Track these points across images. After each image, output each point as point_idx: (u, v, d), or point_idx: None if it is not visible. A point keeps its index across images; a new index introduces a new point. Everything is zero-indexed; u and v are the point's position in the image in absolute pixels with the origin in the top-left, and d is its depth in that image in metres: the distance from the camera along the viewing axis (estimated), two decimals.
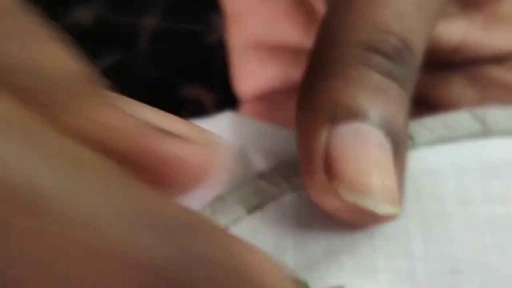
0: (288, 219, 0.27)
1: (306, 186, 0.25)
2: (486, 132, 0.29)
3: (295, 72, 0.35)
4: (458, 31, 0.32)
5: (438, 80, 0.33)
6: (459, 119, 0.29)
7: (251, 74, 0.36)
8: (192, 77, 0.41)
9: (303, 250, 0.26)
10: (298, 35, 0.35)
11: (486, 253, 0.25)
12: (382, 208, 0.24)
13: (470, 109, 0.29)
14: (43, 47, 0.14)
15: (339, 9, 0.28)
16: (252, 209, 0.27)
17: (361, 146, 0.24)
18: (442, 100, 0.33)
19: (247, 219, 0.27)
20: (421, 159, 0.28)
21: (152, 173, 0.15)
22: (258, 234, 0.27)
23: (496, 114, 0.29)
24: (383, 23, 0.27)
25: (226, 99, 0.37)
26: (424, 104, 0.33)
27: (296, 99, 0.27)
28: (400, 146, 0.25)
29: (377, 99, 0.25)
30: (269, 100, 0.36)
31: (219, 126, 0.32)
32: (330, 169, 0.24)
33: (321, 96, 0.25)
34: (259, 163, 0.31)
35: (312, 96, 0.26)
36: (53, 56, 0.14)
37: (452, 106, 0.32)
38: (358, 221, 0.25)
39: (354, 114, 0.25)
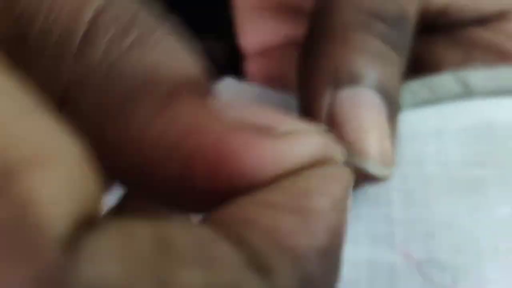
0: None
1: None
2: (468, 93, 0.30)
3: (294, 30, 0.37)
4: None
5: (425, 42, 0.34)
6: (442, 81, 0.30)
7: (254, 32, 0.37)
8: (205, 28, 0.43)
9: None
10: None
11: (460, 215, 0.27)
12: (379, 169, 0.26)
13: (453, 72, 0.30)
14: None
15: None
16: None
17: (359, 110, 0.26)
18: (428, 61, 0.34)
19: None
20: (405, 122, 0.30)
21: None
22: None
23: (478, 75, 0.30)
24: None
25: (237, 50, 0.39)
26: (412, 64, 0.34)
27: (298, 60, 0.28)
28: (394, 109, 0.27)
29: (376, 64, 0.27)
30: (270, 56, 0.37)
31: (219, 91, 0.34)
32: (332, 132, 0.26)
33: (323, 61, 0.27)
34: None
35: (315, 60, 0.27)
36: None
37: (438, 67, 0.33)
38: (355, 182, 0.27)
39: (354, 79, 0.26)
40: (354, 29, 0.27)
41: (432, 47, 0.33)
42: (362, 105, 0.26)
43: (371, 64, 0.26)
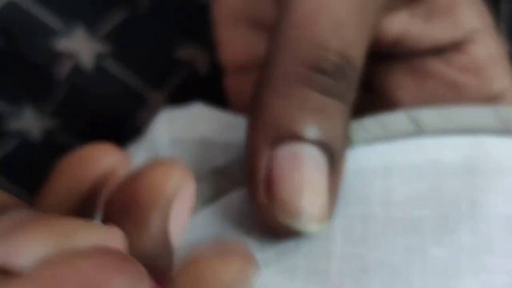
0: (234, 214, 0.31)
1: (249, 202, 0.29)
2: (418, 131, 0.31)
3: None
4: (399, 23, 0.32)
5: (381, 69, 0.34)
6: (394, 119, 0.31)
7: (231, 47, 0.38)
8: (189, 34, 0.44)
9: None
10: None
11: (394, 254, 0.28)
12: (310, 227, 0.28)
13: (406, 110, 0.31)
14: None
15: (282, 22, 0.29)
16: (205, 202, 0.32)
17: (295, 167, 0.27)
18: (384, 88, 0.34)
19: (201, 212, 0.31)
20: (355, 159, 0.31)
21: None
22: (207, 227, 0.31)
23: (430, 114, 0.31)
24: (323, 39, 0.28)
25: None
26: (369, 90, 0.34)
27: (248, 109, 0.29)
28: (336, 160, 0.28)
29: (315, 118, 0.27)
30: (249, 74, 0.38)
31: (190, 117, 0.35)
32: (268, 190, 0.27)
33: (265, 116, 0.28)
34: (221, 155, 0.34)
35: (258, 114, 0.28)
36: None
37: (393, 96, 0.34)
38: (292, 235, 0.28)
39: (293, 135, 0.27)
40: (293, 83, 0.27)
41: (386, 74, 0.34)
42: (299, 163, 0.27)
43: (310, 118, 0.27)
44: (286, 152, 0.27)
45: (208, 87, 0.40)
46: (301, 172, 0.27)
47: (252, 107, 0.28)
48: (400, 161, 0.30)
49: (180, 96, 0.37)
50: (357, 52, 0.29)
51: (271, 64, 0.28)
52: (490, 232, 0.28)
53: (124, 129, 0.41)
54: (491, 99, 0.32)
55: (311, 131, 0.27)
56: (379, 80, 0.34)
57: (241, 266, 0.22)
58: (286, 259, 0.29)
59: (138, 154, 0.36)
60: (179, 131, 0.35)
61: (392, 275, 0.28)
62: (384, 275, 0.28)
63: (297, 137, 0.27)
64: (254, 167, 0.27)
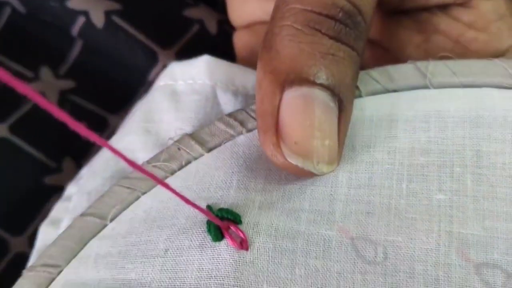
0: (238, 159, 0.31)
1: (260, 142, 0.28)
2: (425, 83, 0.31)
3: None
4: None
5: (389, 24, 0.34)
6: (402, 70, 0.31)
7: (241, 5, 0.38)
8: None
9: (244, 187, 0.30)
10: None
11: (399, 198, 0.28)
12: (319, 168, 0.28)
13: (413, 62, 0.31)
14: None
15: None
16: (210, 148, 0.32)
17: (306, 110, 0.27)
18: (392, 43, 0.35)
19: (206, 156, 0.32)
20: (363, 107, 0.31)
21: None
22: (212, 170, 0.31)
23: (437, 66, 0.31)
24: None
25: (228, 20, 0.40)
26: (377, 45, 0.35)
27: (258, 57, 0.29)
28: (346, 104, 0.28)
29: (325, 63, 0.27)
30: (256, 31, 0.38)
31: (196, 69, 0.36)
32: (279, 131, 0.27)
33: (277, 59, 0.28)
34: (229, 103, 0.34)
35: (270, 58, 0.28)
36: None
37: (401, 51, 0.34)
38: (300, 176, 0.29)
39: (304, 79, 0.27)
40: (304, 29, 0.27)
41: (394, 30, 0.34)
42: (309, 105, 0.27)
43: (321, 63, 0.27)
44: (297, 95, 0.27)
45: (217, 45, 0.40)
46: (312, 114, 0.27)
47: (263, 53, 0.28)
48: (406, 111, 0.30)
49: (190, 54, 0.37)
50: (368, 3, 0.29)
51: (282, 11, 0.28)
52: (494, 180, 0.28)
53: (136, 89, 0.41)
54: (498, 55, 0.32)
55: (321, 75, 0.27)
56: (387, 36, 0.34)
57: None
58: (291, 202, 0.29)
59: (149, 104, 0.36)
60: (186, 81, 0.36)
61: (396, 218, 0.28)
62: (389, 218, 0.28)
63: (307, 81, 0.27)
64: (264, 110, 0.27)
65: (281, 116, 0.27)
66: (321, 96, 0.27)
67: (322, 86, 0.27)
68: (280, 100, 0.27)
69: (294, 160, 0.27)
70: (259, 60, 0.28)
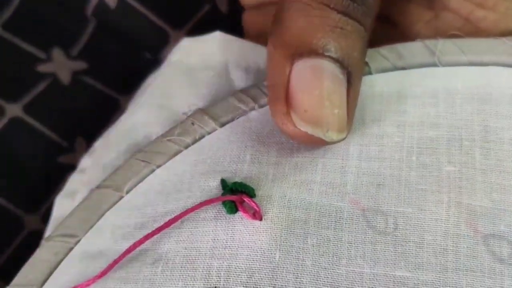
0: (251, 134, 0.31)
1: (270, 112, 0.29)
2: (434, 61, 0.31)
3: None
4: None
5: (399, 2, 0.35)
6: (411, 48, 0.32)
7: None
8: None
9: (258, 161, 0.30)
10: None
11: (410, 170, 0.29)
12: (329, 136, 0.28)
13: (422, 40, 0.32)
14: None
15: None
16: (223, 123, 0.32)
17: (315, 80, 0.28)
18: (401, 21, 0.35)
19: (219, 131, 0.32)
20: (372, 84, 0.31)
21: None
22: (225, 144, 0.32)
23: (445, 44, 0.32)
24: None
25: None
26: (386, 22, 0.35)
27: (269, 30, 0.29)
28: (355, 77, 0.28)
29: (334, 36, 0.28)
30: (265, 11, 0.38)
31: (208, 44, 0.36)
32: (289, 100, 0.28)
33: (286, 33, 0.28)
34: (241, 78, 0.35)
35: (280, 32, 0.29)
36: None
37: (410, 29, 0.35)
38: (310, 144, 0.29)
39: (313, 51, 0.28)
40: (313, 3, 0.28)
41: (404, 7, 0.34)
42: (319, 75, 0.27)
43: (330, 37, 0.28)
44: (306, 66, 0.28)
45: (228, 25, 0.40)
46: (321, 83, 0.27)
47: (273, 28, 0.29)
48: (415, 87, 0.31)
49: (201, 33, 0.37)
50: None
51: None
52: (501, 154, 0.29)
53: (148, 70, 0.41)
54: (506, 34, 0.33)
55: (330, 47, 0.28)
56: (396, 13, 0.35)
57: None
58: (303, 174, 0.29)
59: (160, 81, 0.36)
60: (198, 57, 0.36)
61: (407, 189, 0.28)
62: (400, 189, 0.28)
63: (316, 53, 0.28)
64: (274, 81, 0.28)
65: (291, 86, 0.28)
66: (330, 67, 0.28)
67: (330, 58, 0.28)
68: (290, 71, 0.28)
69: (304, 127, 0.28)
70: (270, 35, 0.29)
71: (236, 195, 0.28)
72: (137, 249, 0.29)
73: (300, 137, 0.28)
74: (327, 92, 0.27)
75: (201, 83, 0.35)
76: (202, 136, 0.32)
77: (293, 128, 0.28)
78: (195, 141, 0.31)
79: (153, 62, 0.42)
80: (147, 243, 0.29)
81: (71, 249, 0.30)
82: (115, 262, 0.28)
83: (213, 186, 0.29)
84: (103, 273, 0.28)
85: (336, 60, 0.28)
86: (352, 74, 0.28)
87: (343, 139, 0.28)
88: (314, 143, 0.28)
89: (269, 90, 0.29)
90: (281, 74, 0.28)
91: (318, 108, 0.27)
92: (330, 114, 0.28)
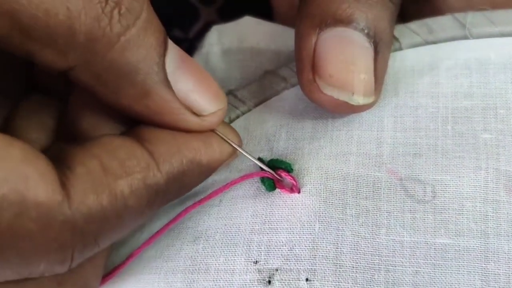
0: (285, 111, 0.31)
1: (298, 81, 0.29)
2: (466, 34, 0.31)
3: None
4: None
5: None
6: (441, 22, 0.31)
7: None
8: None
9: (293, 137, 0.30)
10: None
11: (446, 139, 0.28)
12: (356, 99, 0.28)
13: (453, 14, 0.31)
14: None
15: None
16: (258, 103, 0.32)
17: (341, 47, 0.27)
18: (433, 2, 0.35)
19: (254, 111, 0.32)
20: (404, 58, 0.31)
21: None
22: (261, 123, 0.31)
23: (476, 16, 0.31)
24: None
25: None
26: (417, 5, 0.35)
27: (297, 8, 0.29)
28: (382, 46, 0.28)
29: (361, 6, 0.28)
30: None
31: (239, 28, 0.36)
32: (315, 67, 0.28)
33: (312, 5, 0.28)
34: (272, 61, 0.35)
35: (306, 6, 0.28)
36: None
37: (442, 2, 0.34)
38: (338, 110, 0.29)
39: (339, 20, 0.28)
40: None
41: None
42: (344, 42, 0.27)
43: (356, 6, 0.27)
44: (331, 35, 0.28)
45: (258, 1, 0.40)
46: (346, 50, 0.27)
47: (300, 2, 0.29)
48: (447, 59, 0.30)
49: (231, 10, 0.37)
50: None
51: None
52: None
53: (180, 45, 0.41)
54: None
55: (355, 17, 0.28)
56: None
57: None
58: (339, 146, 0.29)
59: None
60: (230, 42, 0.36)
61: (444, 157, 0.28)
62: (437, 158, 0.28)
63: (341, 22, 0.28)
64: (301, 52, 0.28)
65: (316, 54, 0.28)
66: (355, 36, 0.27)
67: (356, 27, 0.27)
68: (316, 41, 0.28)
69: (329, 91, 0.27)
70: (298, 10, 0.29)
71: (274, 171, 0.28)
72: (178, 227, 0.29)
73: (326, 102, 0.28)
74: (352, 58, 0.27)
75: (233, 67, 0.34)
76: (237, 117, 0.31)
77: (319, 94, 0.28)
78: (230, 122, 0.31)
79: (183, 40, 0.42)
80: (187, 222, 0.29)
81: None
82: (155, 235, 0.28)
83: (250, 165, 0.29)
84: (143, 246, 0.28)
85: (361, 30, 0.27)
86: (379, 43, 0.28)
87: (371, 104, 0.28)
88: (341, 108, 0.28)
89: (296, 62, 0.29)
90: (307, 44, 0.28)
91: (343, 72, 0.27)
92: (356, 78, 0.27)
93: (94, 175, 0.23)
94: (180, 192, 0.26)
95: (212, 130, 0.26)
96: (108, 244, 0.25)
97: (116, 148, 0.24)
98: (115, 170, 0.23)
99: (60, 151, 0.24)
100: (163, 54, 0.24)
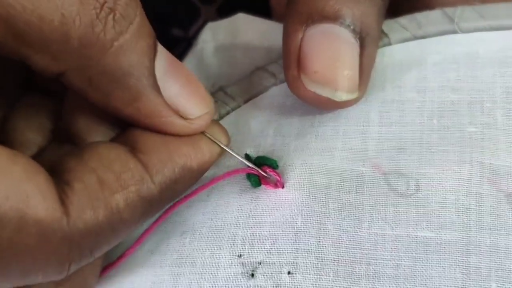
0: (274, 107, 0.31)
1: (284, 77, 0.29)
2: (454, 28, 0.31)
3: None
4: None
5: None
6: (430, 16, 0.31)
7: None
8: None
9: (280, 134, 0.30)
10: None
11: (431, 133, 0.28)
12: (339, 96, 0.28)
13: (442, 8, 0.31)
14: None
15: None
16: (247, 99, 0.32)
17: (327, 43, 0.28)
18: None
19: (243, 107, 0.32)
20: (392, 54, 0.31)
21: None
22: (250, 119, 0.32)
23: (465, 11, 0.31)
24: None
25: None
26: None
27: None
28: (368, 42, 0.28)
29: (348, 2, 0.28)
30: None
31: (233, 25, 0.36)
32: (300, 64, 0.28)
33: (299, 4, 0.28)
34: (264, 58, 0.35)
35: (293, 4, 0.29)
36: None
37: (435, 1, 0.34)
38: (322, 106, 0.29)
39: (326, 17, 0.28)
40: None
41: None
42: (330, 39, 0.28)
43: (343, 4, 0.28)
44: (317, 31, 0.28)
45: (254, 1, 0.40)
46: (331, 46, 0.27)
47: (288, 1, 0.29)
48: (435, 54, 0.30)
49: (231, 9, 0.37)
50: None
51: None
52: None
53: (177, 44, 0.41)
54: None
55: (342, 14, 0.28)
56: None
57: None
58: (325, 142, 0.29)
59: (188, 63, 0.37)
60: (223, 39, 0.36)
61: (428, 151, 0.28)
62: (422, 151, 0.28)
63: (327, 18, 0.28)
64: (288, 48, 0.28)
65: (302, 50, 0.28)
66: (341, 32, 0.28)
67: (342, 23, 0.27)
68: (302, 37, 0.28)
69: (313, 88, 0.28)
70: (286, 7, 0.29)
71: (260, 168, 0.28)
72: (166, 222, 0.29)
73: (310, 99, 0.28)
74: (337, 54, 0.27)
75: (227, 63, 0.35)
76: (227, 113, 0.32)
77: (303, 90, 0.28)
78: (220, 119, 0.32)
79: (183, 39, 0.42)
80: (175, 217, 0.29)
81: None
82: (147, 232, 0.29)
83: (238, 161, 0.29)
84: (136, 244, 0.29)
85: (347, 26, 0.28)
86: (366, 38, 0.28)
87: (356, 100, 0.28)
88: (325, 104, 0.28)
89: (283, 58, 0.29)
90: (294, 40, 0.28)
91: (328, 69, 0.27)
92: (340, 75, 0.27)
93: (91, 190, 0.23)
94: (173, 198, 0.27)
95: (202, 132, 0.26)
96: (103, 253, 0.25)
97: (112, 162, 0.24)
98: (111, 184, 0.24)
99: (58, 160, 0.25)
100: (153, 59, 0.25)
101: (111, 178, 0.24)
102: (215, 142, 0.27)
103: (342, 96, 0.28)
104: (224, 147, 0.27)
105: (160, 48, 0.25)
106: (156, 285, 0.28)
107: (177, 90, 0.25)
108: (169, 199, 0.26)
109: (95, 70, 0.24)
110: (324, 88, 0.27)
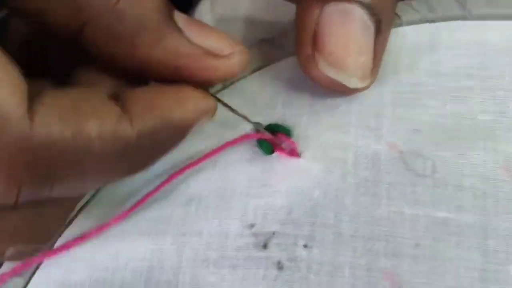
0: (282, 79, 0.30)
1: (296, 55, 0.28)
2: (465, 14, 0.31)
3: None
4: None
5: None
6: (443, 2, 0.31)
7: None
8: None
9: (290, 104, 0.29)
10: None
11: (444, 117, 0.28)
12: (353, 82, 0.27)
13: None
14: None
15: None
16: (253, 70, 0.31)
17: (343, 24, 0.27)
18: None
19: (249, 78, 0.31)
20: (404, 35, 0.30)
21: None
22: (257, 89, 0.30)
23: None
24: None
25: None
26: None
27: None
28: (383, 25, 0.27)
29: None
30: None
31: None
32: (315, 43, 0.27)
33: None
34: (269, 28, 0.34)
35: None
36: None
37: None
38: (334, 89, 0.28)
39: None
40: None
41: None
42: (347, 20, 0.26)
43: None
44: (335, 9, 0.27)
45: None
46: (349, 28, 0.27)
47: None
48: (447, 39, 0.30)
49: None
50: None
51: None
52: None
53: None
54: None
55: None
56: None
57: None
58: (339, 116, 0.28)
59: None
60: (223, 11, 0.35)
61: (443, 135, 0.27)
62: (437, 135, 0.27)
63: None
64: (303, 24, 0.27)
65: (318, 29, 0.27)
66: (359, 12, 0.27)
67: (361, 3, 0.26)
68: (320, 15, 0.27)
69: (327, 71, 0.27)
70: None
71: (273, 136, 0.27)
72: (170, 190, 0.27)
73: (322, 81, 0.27)
74: (354, 37, 0.26)
75: (230, 32, 0.33)
76: (232, 84, 0.30)
77: (316, 71, 0.27)
78: (225, 87, 0.30)
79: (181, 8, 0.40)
80: (180, 185, 0.27)
81: None
82: (145, 198, 0.27)
83: (247, 129, 0.28)
84: (131, 210, 0.27)
85: (366, 6, 0.27)
86: (382, 22, 0.27)
87: (366, 87, 0.27)
88: (336, 88, 0.27)
89: (297, 33, 0.28)
90: (310, 17, 0.27)
91: (344, 51, 0.26)
92: (355, 61, 0.27)
93: (63, 110, 0.21)
94: (153, 152, 0.24)
95: (214, 96, 0.26)
96: (63, 193, 0.22)
97: (90, 96, 0.23)
98: (86, 111, 0.22)
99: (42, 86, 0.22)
100: (172, 12, 0.24)
101: (87, 106, 0.22)
102: (227, 106, 0.26)
103: (355, 83, 0.27)
104: (235, 110, 0.26)
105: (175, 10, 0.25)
106: (156, 253, 0.26)
107: (203, 35, 0.25)
108: (149, 150, 0.24)
109: (116, 15, 0.23)
110: (338, 72, 0.26)
